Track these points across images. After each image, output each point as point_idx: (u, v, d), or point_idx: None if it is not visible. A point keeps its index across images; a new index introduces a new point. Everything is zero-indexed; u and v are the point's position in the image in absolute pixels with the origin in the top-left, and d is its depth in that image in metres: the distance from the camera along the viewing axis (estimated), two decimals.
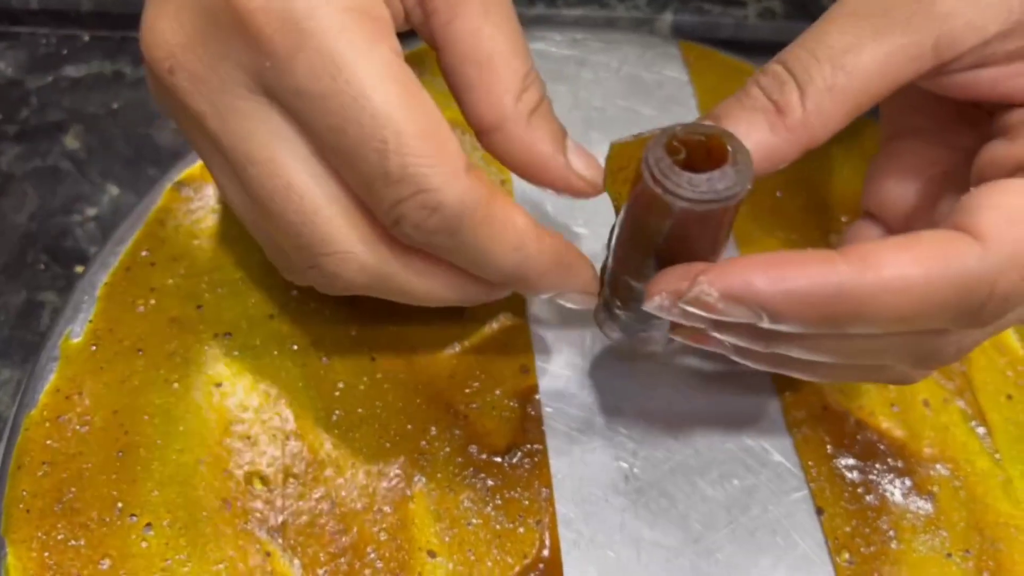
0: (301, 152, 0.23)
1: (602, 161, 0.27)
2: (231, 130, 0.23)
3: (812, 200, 0.38)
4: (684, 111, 0.40)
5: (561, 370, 0.33)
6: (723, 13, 0.46)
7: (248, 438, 0.30)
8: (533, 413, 0.31)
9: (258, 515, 0.28)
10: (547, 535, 0.29)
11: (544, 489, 0.30)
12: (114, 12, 0.43)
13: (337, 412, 0.30)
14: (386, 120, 0.22)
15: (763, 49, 0.40)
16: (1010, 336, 0.36)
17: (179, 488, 0.28)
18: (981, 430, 0.33)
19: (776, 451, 0.32)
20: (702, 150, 0.23)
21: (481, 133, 0.26)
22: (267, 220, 0.24)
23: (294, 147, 0.23)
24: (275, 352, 0.31)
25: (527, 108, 0.26)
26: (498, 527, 0.29)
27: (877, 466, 0.32)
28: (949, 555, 0.31)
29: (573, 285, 0.27)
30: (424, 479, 0.30)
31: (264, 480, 0.29)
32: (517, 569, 0.29)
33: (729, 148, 0.22)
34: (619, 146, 0.26)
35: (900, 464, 0.32)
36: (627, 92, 0.40)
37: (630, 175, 0.25)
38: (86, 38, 0.44)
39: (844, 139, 0.39)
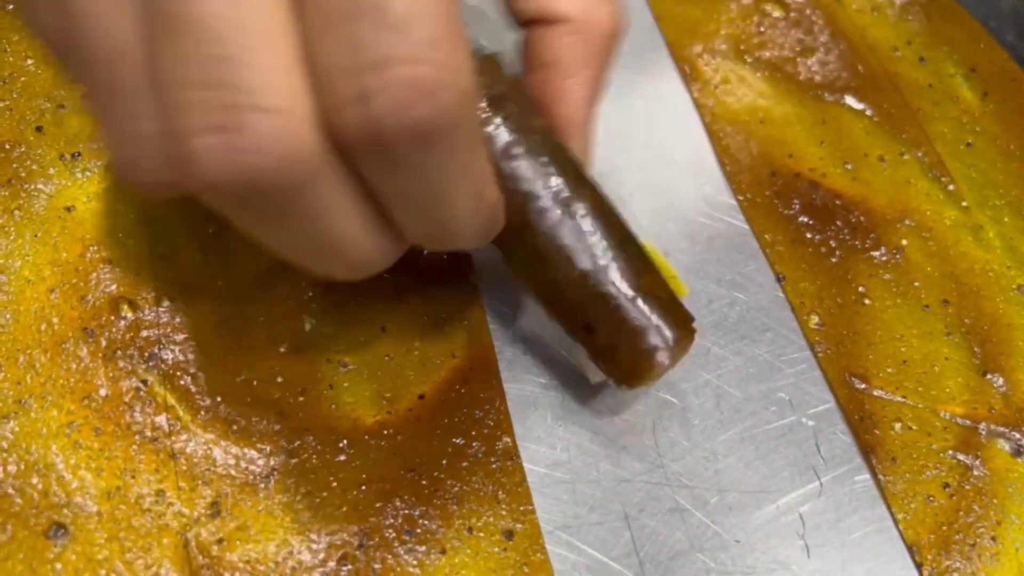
0: None
1: None
2: None
3: None
4: None
5: None
6: None
7: (109, 263, 0.25)
8: None
9: (128, 342, 0.24)
10: (482, 331, 0.25)
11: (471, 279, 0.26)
12: None
13: (211, 229, 0.26)
14: None
15: None
16: (961, 87, 0.33)
17: (32, 320, 0.24)
18: (944, 179, 0.30)
19: (723, 215, 0.29)
20: None
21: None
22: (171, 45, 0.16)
23: None
24: None
25: None
26: (419, 327, 0.25)
27: (838, 223, 0.29)
28: (927, 307, 0.28)
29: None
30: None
31: (133, 305, 0.24)
32: (444, 372, 0.25)
33: None
34: None
35: (863, 219, 0.29)
36: None
37: None
38: None
39: None
